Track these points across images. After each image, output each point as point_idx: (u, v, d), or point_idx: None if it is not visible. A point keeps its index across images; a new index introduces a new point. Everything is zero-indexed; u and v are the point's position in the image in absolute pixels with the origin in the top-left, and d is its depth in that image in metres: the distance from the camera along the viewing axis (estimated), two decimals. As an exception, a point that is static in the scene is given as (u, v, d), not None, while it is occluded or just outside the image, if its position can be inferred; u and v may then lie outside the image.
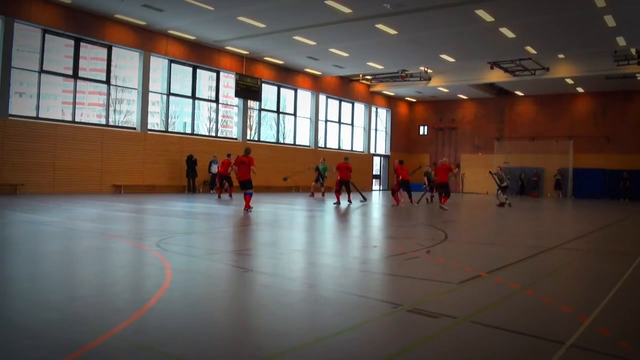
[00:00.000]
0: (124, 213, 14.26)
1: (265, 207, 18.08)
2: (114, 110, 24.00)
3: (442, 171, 18.89)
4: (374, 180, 39.73)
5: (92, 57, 23.82)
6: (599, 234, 12.59)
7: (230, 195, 22.27)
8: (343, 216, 15.53)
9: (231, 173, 19.41)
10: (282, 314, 4.68)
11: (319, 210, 17.37)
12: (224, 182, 22.69)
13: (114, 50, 22.95)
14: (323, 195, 25.07)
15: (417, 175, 25.60)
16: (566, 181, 35.57)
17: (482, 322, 4.52)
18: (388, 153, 41.18)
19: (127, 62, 24.22)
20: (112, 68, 23.05)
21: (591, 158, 35.15)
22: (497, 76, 31.76)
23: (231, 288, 5.81)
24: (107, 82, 22.77)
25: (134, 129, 23.82)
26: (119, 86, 23.87)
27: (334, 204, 19.63)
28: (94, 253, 7.65)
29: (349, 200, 20.65)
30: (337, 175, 20.33)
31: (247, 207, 14.93)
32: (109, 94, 22.93)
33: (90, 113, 24.13)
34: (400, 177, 19.92)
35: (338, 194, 20.15)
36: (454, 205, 20.78)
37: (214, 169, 25.09)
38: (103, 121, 23.13)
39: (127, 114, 25.31)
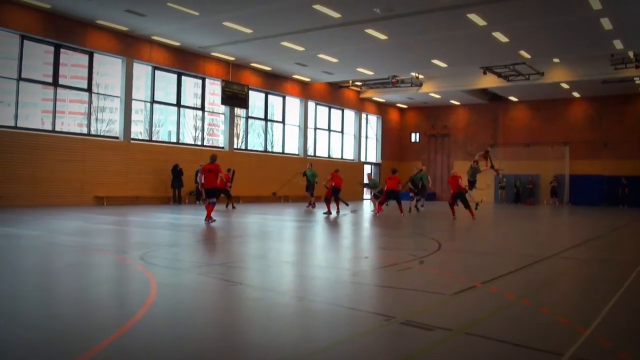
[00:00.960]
0: (107, 225, 14.16)
1: (253, 218, 18.03)
2: (96, 119, 23.90)
3: (455, 180, 18.80)
4: (364, 188, 39.78)
5: (73, 64, 23.74)
6: (597, 242, 12.66)
7: (233, 207, 22.44)
8: (333, 226, 15.51)
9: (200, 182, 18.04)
10: (272, 328, 4.66)
11: (308, 220, 17.35)
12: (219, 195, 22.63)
13: (96, 56, 22.88)
14: (313, 205, 24.03)
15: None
16: (563, 188, 35.71)
17: (478, 333, 4.52)
18: (379, 161, 41.26)
19: (109, 69, 24.14)
20: (94, 75, 22.95)
21: (588, 164, 35.36)
22: (490, 81, 31.96)
23: (219, 302, 5.78)
24: (89, 89, 22.67)
25: (117, 138, 23.72)
26: (101, 94, 23.79)
27: (324, 213, 19.63)
28: (75, 268, 7.58)
29: (338, 210, 20.63)
30: (330, 183, 20.55)
31: (209, 218, 14.46)
32: (90, 102, 22.83)
33: (71, 122, 24.04)
34: (385, 187, 19.86)
35: (329, 203, 20.32)
36: (446, 214, 20.82)
37: (202, 179, 24.93)
38: (84, 130, 23.02)
39: (109, 123, 25.21)
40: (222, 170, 14.81)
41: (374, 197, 21.31)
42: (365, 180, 21.57)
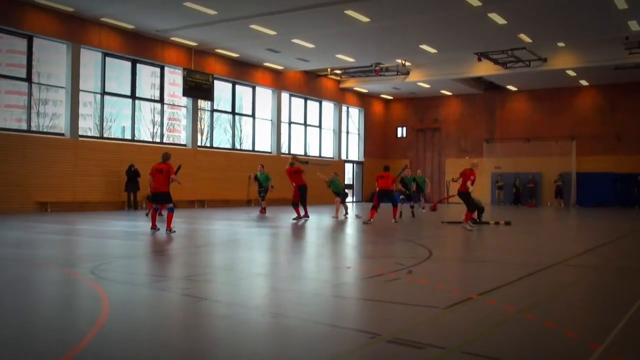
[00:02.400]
0: (51, 235, 13.99)
1: (220, 225, 17.95)
2: (37, 113, 23.59)
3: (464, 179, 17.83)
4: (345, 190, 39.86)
5: (8, 49, 23.42)
6: (609, 247, 12.82)
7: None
8: (311, 233, 15.49)
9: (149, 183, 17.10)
10: (242, 350, 4.64)
11: (282, 227, 17.32)
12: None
13: (36, 41, 22.58)
14: (264, 211, 23.35)
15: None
16: (569, 188, 36.03)
17: (475, 352, 4.54)
18: (362, 159, 41.38)
19: (51, 55, 23.83)
20: (34, 63, 22.66)
21: (598, 161, 35.68)
22: (486, 69, 32.23)
23: (182, 320, 5.74)
24: (28, 79, 22.37)
25: (62, 135, 23.46)
26: (43, 84, 23.48)
27: (294, 219, 19.57)
28: (14, 285, 7.48)
29: (306, 215, 20.23)
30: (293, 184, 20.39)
31: (169, 228, 14.07)
32: (30, 94, 22.54)
33: (8, 117, 23.71)
34: (378, 188, 18.81)
35: (297, 208, 20.18)
36: (437, 218, 20.95)
37: (151, 180, 24.71)
38: (24, 126, 22.72)
39: (53, 118, 24.90)
40: (174, 171, 14.37)
41: (340, 201, 21.10)
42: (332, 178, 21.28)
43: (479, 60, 30.30)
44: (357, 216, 21.85)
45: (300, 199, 20.23)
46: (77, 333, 5.10)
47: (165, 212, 14.78)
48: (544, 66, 30.73)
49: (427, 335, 5.03)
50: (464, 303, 6.28)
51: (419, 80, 35.23)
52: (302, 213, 20.26)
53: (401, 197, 23.10)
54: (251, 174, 24.74)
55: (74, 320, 5.70)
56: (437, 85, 37.41)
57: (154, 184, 14.32)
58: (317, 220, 19.65)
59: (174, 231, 14.09)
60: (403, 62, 32.88)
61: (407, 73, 34.59)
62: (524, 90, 38.02)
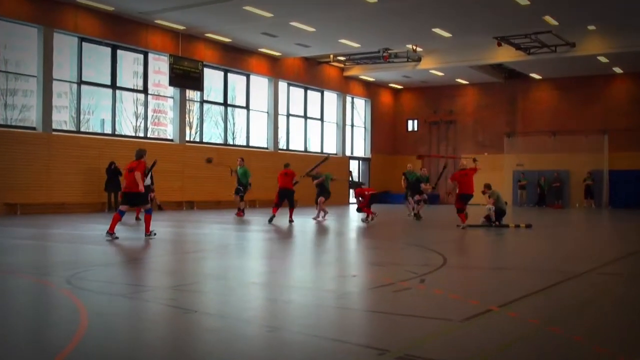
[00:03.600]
0: (22, 240, 14.00)
1: (211, 228, 17.96)
2: (5, 105, 23.62)
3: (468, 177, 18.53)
4: (351, 190, 39.85)
5: (-27, 35, 23.44)
6: (640, 253, 12.81)
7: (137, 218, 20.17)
8: (312, 238, 15.50)
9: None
10: (234, 367, 4.64)
11: (279, 231, 17.33)
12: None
13: (3, 25, 22.59)
14: (242, 212, 22.98)
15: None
16: (600, 187, 35.97)
17: (495, 369, 4.54)
18: (368, 155, 41.35)
19: (21, 41, 23.84)
20: (1, 49, 22.68)
21: (633, 157, 35.49)
22: (506, 55, 32.17)
23: (168, 335, 5.75)
24: (-4, 68, 22.45)
25: (34, 129, 23.47)
26: (11, 73, 23.50)
27: (269, 221, 19.40)
28: (-17, 294, 7.49)
29: (290, 219, 19.84)
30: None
31: (148, 231, 14.09)
32: (-3, 84, 22.60)
33: (-26, 109, 23.69)
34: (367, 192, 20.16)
35: (276, 208, 19.99)
36: (451, 221, 20.93)
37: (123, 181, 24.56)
38: (-8, 120, 22.77)
39: (23, 110, 24.93)
40: (142, 169, 14.17)
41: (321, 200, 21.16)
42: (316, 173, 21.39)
43: (499, 45, 30.23)
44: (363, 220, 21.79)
45: (289, 202, 20.09)
46: (51, 349, 5.11)
47: (141, 216, 14.62)
48: (572, 52, 30.62)
49: (441, 351, 5.03)
50: (483, 315, 6.28)
51: (431, 67, 35.18)
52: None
53: (416, 197, 22.93)
54: (232, 168, 24.05)
55: (48, 335, 5.71)
56: (452, 73, 37.34)
57: (125, 182, 14.22)
58: (320, 224, 19.64)
59: (155, 234, 14.06)
60: (414, 47, 32.82)
61: (419, 60, 34.52)
62: (550, 78, 37.93)
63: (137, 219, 19.36)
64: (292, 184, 20.07)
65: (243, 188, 22.86)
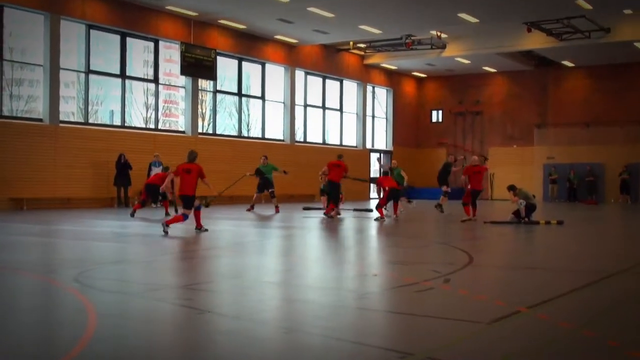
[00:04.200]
0: (27, 237, 14.10)
1: (225, 225, 18.00)
2: (10, 96, 23.79)
3: (480, 175, 20.07)
4: (371, 185, 39.80)
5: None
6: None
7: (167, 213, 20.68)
8: (330, 235, 15.50)
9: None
10: (249, 371, 4.65)
11: (298, 227, 17.34)
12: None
13: (7, 12, 22.70)
14: (277, 209, 23.37)
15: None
16: (637, 181, 35.74)
17: (523, 374, 4.53)
18: (390, 148, 41.27)
19: (26, 28, 23.98)
20: (6, 37, 22.81)
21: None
22: (537, 41, 31.97)
23: (180, 337, 5.77)
24: None
25: (40, 120, 23.63)
26: (16, 62, 23.65)
27: (328, 216, 19.75)
28: (-12, 293, 7.56)
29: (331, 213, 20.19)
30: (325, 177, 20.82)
31: (200, 226, 14.88)
32: (1, 73, 22.71)
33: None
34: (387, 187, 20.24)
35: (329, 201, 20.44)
36: (479, 217, 20.87)
37: (171, 182, 24.33)
38: (-4, 111, 22.93)
39: (29, 100, 25.10)
40: (204, 174, 14.93)
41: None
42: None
43: (529, 30, 30.03)
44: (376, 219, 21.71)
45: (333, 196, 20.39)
46: (58, 351, 5.15)
47: (181, 210, 15.37)
48: (607, 38, 30.40)
49: (466, 354, 5.02)
50: (511, 317, 6.26)
51: (457, 55, 35.05)
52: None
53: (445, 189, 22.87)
54: (247, 172, 24.48)
55: (53, 337, 5.75)
56: (479, 61, 37.18)
57: (181, 185, 14.77)
58: (340, 220, 19.64)
59: (206, 229, 14.76)
60: (438, 33, 32.70)
61: (444, 47, 34.39)
62: (583, 66, 37.65)
63: (167, 214, 19.86)
64: (341, 176, 20.44)
65: (270, 183, 23.64)
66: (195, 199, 14.83)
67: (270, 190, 23.86)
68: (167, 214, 19.95)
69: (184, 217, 14.55)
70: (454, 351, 5.11)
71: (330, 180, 20.30)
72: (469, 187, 19.78)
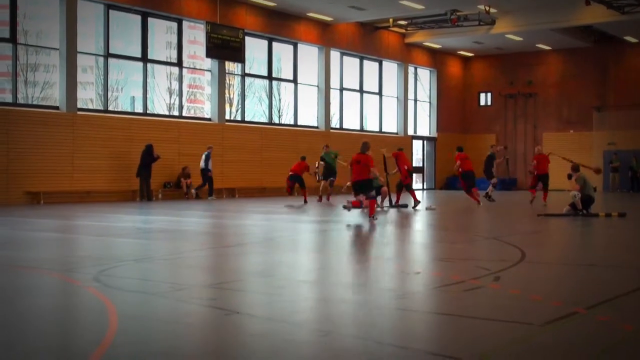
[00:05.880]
0: (45, 233, 14.28)
1: (255, 219, 18.08)
2: (25, 82, 24.09)
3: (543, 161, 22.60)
4: (414, 174, 39.72)
5: (-13, 4, 23.89)
6: None
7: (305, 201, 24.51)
8: (368, 230, 15.50)
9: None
10: (282, 377, 4.68)
11: (333, 221, 17.37)
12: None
13: (22, -8, 23.00)
14: (329, 198, 25.65)
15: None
16: None
17: (582, 381, 4.50)
18: (434, 134, 41.11)
19: (41, 10, 24.25)
20: (20, 19, 23.05)
21: None
22: (596, 15, 31.61)
23: (207, 340, 5.80)
24: (12, 40, 22.78)
25: (57, 108, 23.89)
26: (31, 46, 23.92)
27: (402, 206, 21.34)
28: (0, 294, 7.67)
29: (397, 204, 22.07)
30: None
31: (372, 213, 16.85)
32: (15, 58, 22.99)
33: (-11, 87, 24.24)
34: (460, 169, 22.45)
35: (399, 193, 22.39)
36: (529, 209, 20.74)
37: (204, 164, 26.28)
38: (8, 98, 23.22)
39: (45, 87, 25.41)
40: (373, 163, 17.03)
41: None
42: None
43: (587, 3, 29.67)
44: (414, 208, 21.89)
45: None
46: (76, 355, 5.21)
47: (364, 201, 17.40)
48: (675, 10, 30.01)
49: (519, 359, 5.00)
50: (567, 319, 6.21)
51: (507, 31, 34.78)
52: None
53: (493, 181, 24.79)
54: (316, 162, 25.86)
55: (73, 339, 5.82)
56: (532, 38, 36.86)
57: (352, 174, 17.30)
58: (381, 213, 19.64)
59: (377, 219, 16.56)
60: (487, 8, 32.45)
61: (493, 22, 34.15)
62: (647, 42, 37.22)
63: (305, 202, 24.19)
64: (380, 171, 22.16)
65: (334, 171, 25.27)
66: (369, 186, 17.06)
67: (330, 179, 25.34)
68: (305, 201, 24.26)
69: (373, 199, 17.03)
70: (505, 355, 5.09)
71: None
72: (535, 172, 23.17)
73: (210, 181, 26.31)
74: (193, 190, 26.15)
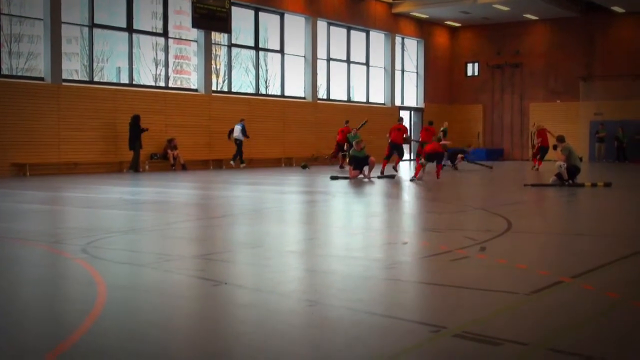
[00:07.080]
0: (32, 205, 14.25)
1: (242, 190, 18.07)
2: (9, 53, 23.90)
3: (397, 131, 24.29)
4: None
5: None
6: None
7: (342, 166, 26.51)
8: (357, 200, 15.52)
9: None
10: (271, 346, 4.69)
11: (322, 193, 17.37)
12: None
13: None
14: (342, 166, 26.71)
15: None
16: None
17: (567, 349, 4.53)
18: (421, 105, 41.07)
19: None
20: (3, -11, 22.84)
21: None
22: (582, -15, 31.55)
23: (195, 310, 5.82)
24: (-3, 10, 22.63)
25: (42, 79, 23.74)
26: (14, 16, 23.69)
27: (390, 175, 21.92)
28: (-10, 265, 7.66)
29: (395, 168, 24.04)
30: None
31: (417, 176, 19.64)
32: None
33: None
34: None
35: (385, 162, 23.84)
36: (517, 180, 20.80)
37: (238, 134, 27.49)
38: (-6, 70, 23.05)
39: (29, 58, 25.24)
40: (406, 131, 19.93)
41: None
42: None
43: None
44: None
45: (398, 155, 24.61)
46: (65, 326, 5.20)
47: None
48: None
49: (504, 328, 5.03)
50: (553, 287, 6.25)
51: (495, 1, 34.69)
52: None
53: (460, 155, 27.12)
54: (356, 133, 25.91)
55: (61, 311, 5.81)
56: (519, 8, 36.75)
57: (391, 138, 23.08)
58: (367, 184, 19.67)
59: (420, 180, 19.22)
60: (474, -22, 32.36)
61: (480, -8, 34.06)
62: (635, 12, 37.11)
63: (342, 167, 26.26)
64: (402, 138, 24.54)
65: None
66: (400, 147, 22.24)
67: (342, 154, 26.97)
68: (341, 166, 26.36)
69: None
70: (492, 324, 5.11)
71: (393, 142, 24.07)
72: (538, 144, 27.44)
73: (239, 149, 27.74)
74: (232, 162, 27.86)
